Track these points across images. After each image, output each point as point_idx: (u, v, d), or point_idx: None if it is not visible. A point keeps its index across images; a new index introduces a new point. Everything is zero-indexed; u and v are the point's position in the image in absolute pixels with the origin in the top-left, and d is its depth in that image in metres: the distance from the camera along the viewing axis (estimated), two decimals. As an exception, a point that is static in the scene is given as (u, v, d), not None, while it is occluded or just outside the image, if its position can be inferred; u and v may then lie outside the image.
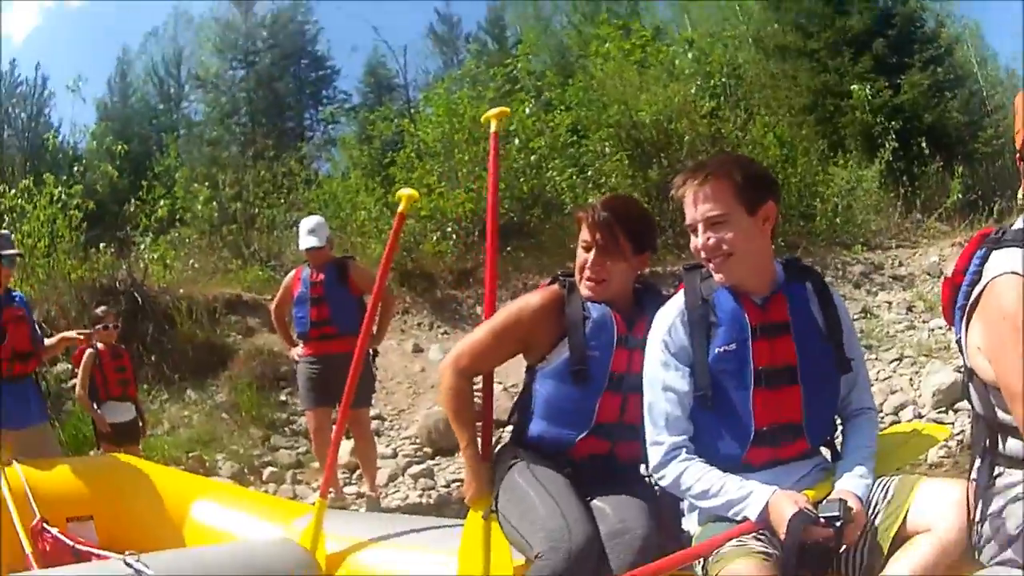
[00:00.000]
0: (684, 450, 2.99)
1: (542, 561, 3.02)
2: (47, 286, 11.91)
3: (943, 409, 10.35)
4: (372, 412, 9.57)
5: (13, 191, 12.74)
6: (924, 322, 13.06)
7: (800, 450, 3.04)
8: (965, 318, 2.53)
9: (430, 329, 12.95)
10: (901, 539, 2.69)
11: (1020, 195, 3.05)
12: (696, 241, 2.99)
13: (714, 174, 2.94)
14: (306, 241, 7.59)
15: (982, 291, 2.43)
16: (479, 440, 3.63)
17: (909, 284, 14.57)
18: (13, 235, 10.97)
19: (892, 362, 11.87)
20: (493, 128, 4.29)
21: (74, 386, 7.99)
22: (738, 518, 2.82)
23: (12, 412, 6.12)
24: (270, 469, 9.73)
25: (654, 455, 3.04)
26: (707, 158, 3.18)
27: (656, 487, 3.30)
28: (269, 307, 9.40)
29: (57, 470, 5.74)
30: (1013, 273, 2.33)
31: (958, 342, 2.62)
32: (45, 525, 4.90)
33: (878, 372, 11.51)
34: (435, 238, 14.32)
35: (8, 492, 5.08)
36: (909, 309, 13.69)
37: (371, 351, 7.52)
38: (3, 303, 6.29)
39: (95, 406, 7.44)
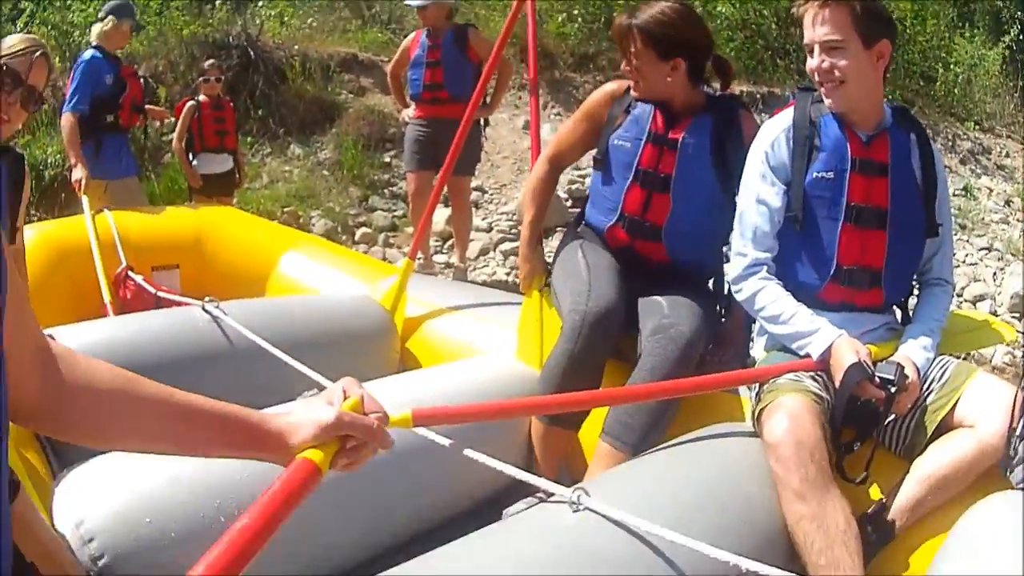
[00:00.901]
0: (765, 268, 3.05)
1: (565, 324, 3.27)
2: (157, 42, 11.75)
3: (1018, 315, 9.93)
4: (474, 183, 9.49)
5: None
6: (1019, 220, 12.55)
7: (874, 301, 3.06)
8: None
9: (544, 108, 12.51)
10: (946, 426, 2.70)
11: None
12: (811, 62, 2.96)
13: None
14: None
15: None
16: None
17: (1011, 177, 14.01)
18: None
19: (981, 250, 11.43)
20: None
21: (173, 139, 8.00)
22: (801, 352, 2.88)
23: (107, 163, 6.39)
24: (364, 230, 9.70)
25: (736, 265, 3.10)
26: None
27: (723, 312, 3.64)
28: (385, 68, 9.30)
29: (147, 219, 5.84)
30: None
31: None
32: (129, 273, 4.97)
33: (966, 255, 11.12)
34: (560, 19, 13.79)
35: (95, 239, 5.14)
36: (1007, 203, 13.14)
37: (482, 121, 7.39)
38: (119, 60, 6.69)
39: (190, 157, 7.46)
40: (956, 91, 15.27)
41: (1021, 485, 2.45)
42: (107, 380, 1.36)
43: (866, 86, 2.94)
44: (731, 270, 3.13)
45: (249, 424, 1.45)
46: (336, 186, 10.44)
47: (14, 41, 2.93)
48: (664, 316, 3.22)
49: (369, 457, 1.52)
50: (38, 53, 2.94)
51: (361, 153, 10.88)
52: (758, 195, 3.05)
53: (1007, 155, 14.72)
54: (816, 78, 2.96)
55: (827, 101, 2.98)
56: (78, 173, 5.94)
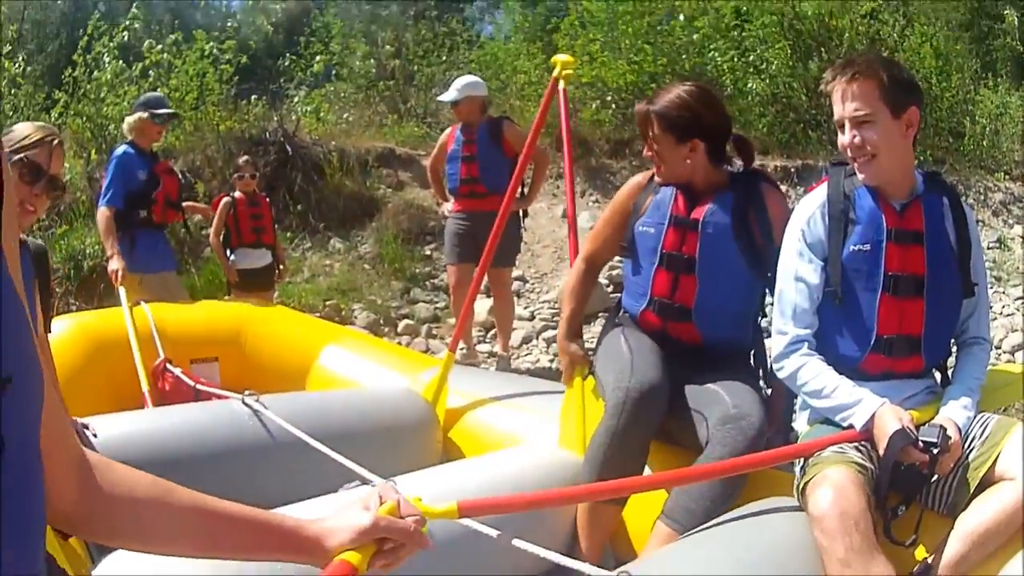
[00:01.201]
0: (806, 344, 3.07)
1: (608, 401, 3.29)
2: (194, 137, 11.90)
3: (1058, 363, 9.75)
4: (515, 273, 9.48)
5: (160, 46, 12.65)
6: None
7: (914, 367, 3.07)
8: None
9: (581, 196, 12.51)
10: (988, 481, 2.69)
11: None
12: (843, 138, 3.01)
13: (862, 73, 2.94)
14: (445, 94, 7.46)
15: None
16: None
17: (1045, 223, 14.01)
18: (158, 89, 11.21)
19: (1018, 299, 11.31)
20: (557, 73, 4.51)
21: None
22: (844, 424, 2.90)
23: (143, 258, 6.45)
24: (406, 322, 9.64)
25: (777, 344, 3.12)
26: (856, 55, 3.24)
27: (764, 384, 3.60)
28: (422, 162, 9.41)
29: (185, 312, 5.85)
30: None
31: None
32: (168, 365, 4.95)
33: (1003, 307, 11.04)
34: (594, 106, 14.00)
35: (133, 331, 5.13)
36: (1042, 249, 13.12)
37: (521, 212, 7.42)
38: (154, 156, 6.87)
39: (228, 252, 7.48)
40: (984, 143, 15.34)
41: None
42: (144, 490, 1.35)
43: (897, 156, 2.98)
44: (772, 348, 3.14)
45: (285, 530, 1.45)
46: (378, 279, 10.45)
47: (29, 131, 2.97)
48: (732, 406, 3.19)
49: (406, 558, 1.52)
50: (55, 141, 2.99)
51: (402, 246, 10.93)
52: (796, 273, 3.08)
53: (1039, 201, 14.73)
54: (848, 153, 3.00)
55: (860, 176, 3.02)
56: (114, 264, 6.02)
